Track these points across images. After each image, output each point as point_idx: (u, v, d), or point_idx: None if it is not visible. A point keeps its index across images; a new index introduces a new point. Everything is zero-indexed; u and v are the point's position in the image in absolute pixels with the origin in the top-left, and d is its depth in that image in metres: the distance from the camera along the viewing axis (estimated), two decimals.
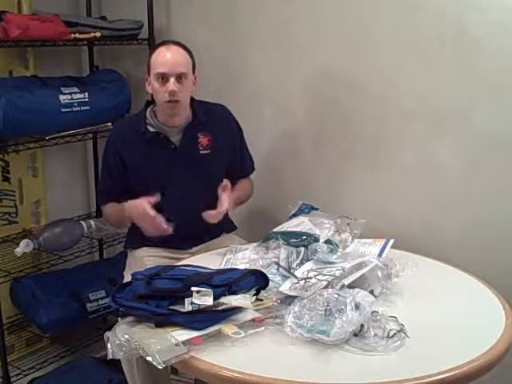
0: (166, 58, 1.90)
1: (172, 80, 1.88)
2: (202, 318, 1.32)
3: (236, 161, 2.13)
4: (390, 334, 1.30)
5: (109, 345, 1.27)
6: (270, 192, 2.41)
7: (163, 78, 1.89)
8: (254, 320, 1.36)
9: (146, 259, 1.99)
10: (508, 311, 1.46)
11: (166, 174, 2.00)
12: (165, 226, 1.82)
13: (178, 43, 1.95)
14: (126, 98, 2.56)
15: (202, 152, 2.03)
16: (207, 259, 1.80)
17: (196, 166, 2.03)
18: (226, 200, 1.90)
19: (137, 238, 2.09)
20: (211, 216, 1.89)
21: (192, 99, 2.03)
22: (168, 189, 1.98)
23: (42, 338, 2.66)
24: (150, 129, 2.01)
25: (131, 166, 2.01)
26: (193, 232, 2.02)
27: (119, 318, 1.38)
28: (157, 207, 1.91)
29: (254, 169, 2.20)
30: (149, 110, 2.04)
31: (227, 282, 1.40)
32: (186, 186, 2.01)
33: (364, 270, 1.51)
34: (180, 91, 1.90)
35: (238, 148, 2.14)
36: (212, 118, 2.07)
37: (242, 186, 2.13)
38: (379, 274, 1.54)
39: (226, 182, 1.93)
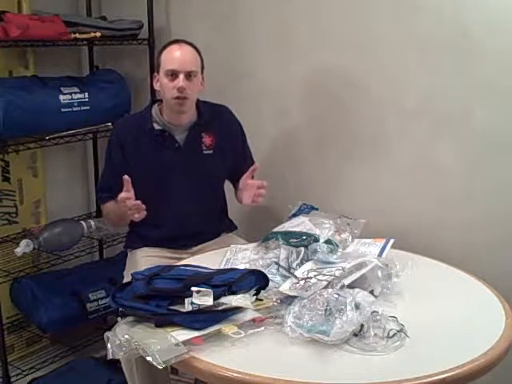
0: (177, 55, 1.92)
1: (181, 77, 1.90)
2: (202, 318, 1.32)
3: (238, 162, 2.12)
4: (390, 334, 1.30)
5: (109, 345, 1.27)
6: (270, 192, 2.41)
7: (173, 74, 1.91)
8: (254, 320, 1.36)
9: (146, 259, 1.99)
10: (508, 311, 1.46)
11: (168, 172, 2.00)
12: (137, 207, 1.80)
13: (189, 43, 1.97)
14: (126, 98, 2.56)
15: (205, 152, 2.04)
16: (207, 259, 1.79)
17: (198, 165, 2.03)
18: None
19: (137, 238, 2.09)
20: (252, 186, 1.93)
21: (197, 99, 2.03)
22: (170, 187, 1.99)
23: (42, 338, 2.66)
24: (156, 126, 2.01)
25: (134, 163, 2.00)
26: (193, 231, 2.02)
27: (119, 318, 1.38)
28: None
29: None
30: (154, 107, 2.04)
31: (227, 282, 1.41)
32: (188, 184, 2.02)
33: (364, 270, 1.51)
34: (188, 88, 1.91)
35: (240, 150, 2.14)
36: (216, 118, 2.08)
37: None
38: (379, 273, 1.54)
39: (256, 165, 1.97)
